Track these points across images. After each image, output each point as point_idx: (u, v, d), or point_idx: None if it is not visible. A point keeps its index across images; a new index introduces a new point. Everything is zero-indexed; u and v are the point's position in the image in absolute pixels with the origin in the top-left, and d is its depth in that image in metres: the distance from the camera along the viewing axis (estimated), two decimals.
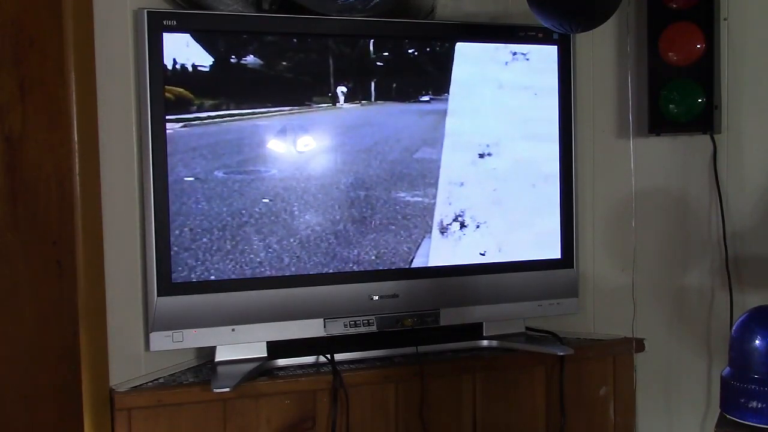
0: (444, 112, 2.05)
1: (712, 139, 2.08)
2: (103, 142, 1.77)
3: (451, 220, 2.06)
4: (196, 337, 1.86)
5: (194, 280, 1.85)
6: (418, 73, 2.04)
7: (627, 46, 2.14)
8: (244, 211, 1.88)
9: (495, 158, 2.10)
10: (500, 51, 2.10)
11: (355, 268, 1.97)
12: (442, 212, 2.06)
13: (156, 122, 1.80)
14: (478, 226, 2.08)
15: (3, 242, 1.63)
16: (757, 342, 1.36)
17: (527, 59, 2.12)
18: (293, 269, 1.92)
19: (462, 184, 2.07)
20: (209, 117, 1.85)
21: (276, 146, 1.91)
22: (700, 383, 2.17)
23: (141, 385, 1.83)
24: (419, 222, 2.04)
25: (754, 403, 1.34)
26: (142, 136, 1.82)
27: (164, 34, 1.80)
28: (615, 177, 2.21)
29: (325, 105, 1.95)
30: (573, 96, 2.13)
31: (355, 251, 1.98)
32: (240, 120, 1.88)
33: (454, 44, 2.05)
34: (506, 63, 2.11)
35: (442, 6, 2.18)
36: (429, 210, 2.05)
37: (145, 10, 1.79)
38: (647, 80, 2.10)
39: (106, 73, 1.77)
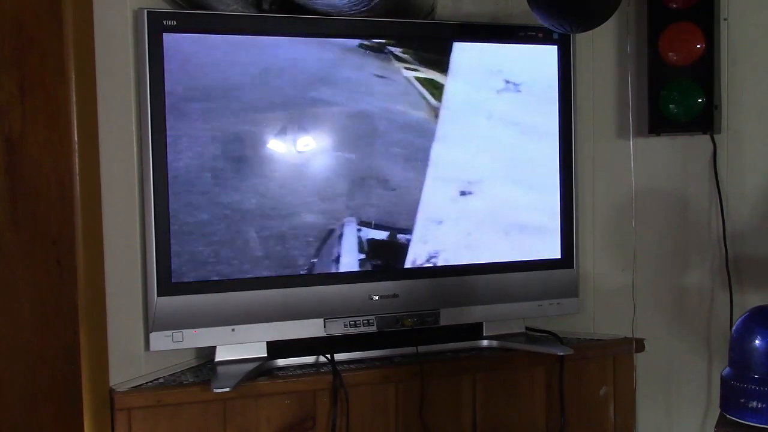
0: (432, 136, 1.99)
1: (712, 139, 2.08)
2: (103, 142, 1.78)
3: (424, 261, 2.03)
4: (196, 337, 1.86)
5: (194, 280, 1.85)
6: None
7: (627, 46, 2.15)
8: (244, 211, 1.88)
9: (476, 198, 2.04)
10: (493, 77, 2.05)
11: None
12: (416, 251, 2.01)
13: (156, 122, 1.80)
14: None
15: (3, 242, 1.63)
16: (757, 342, 1.36)
17: (519, 91, 2.08)
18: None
19: (440, 222, 2.02)
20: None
21: (277, 146, 1.91)
22: (700, 383, 2.17)
23: (141, 385, 1.83)
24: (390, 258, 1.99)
25: (754, 403, 1.34)
26: (142, 136, 1.82)
27: (164, 34, 1.80)
28: (615, 177, 2.21)
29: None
30: (573, 96, 2.13)
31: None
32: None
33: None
34: (498, 91, 2.06)
35: (442, 6, 2.18)
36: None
37: (145, 10, 1.79)
38: (647, 80, 2.10)
39: (106, 73, 1.78)
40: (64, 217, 1.65)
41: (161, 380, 1.87)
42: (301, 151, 1.93)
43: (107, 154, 1.79)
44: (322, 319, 1.95)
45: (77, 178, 1.65)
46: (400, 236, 2.00)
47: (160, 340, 1.83)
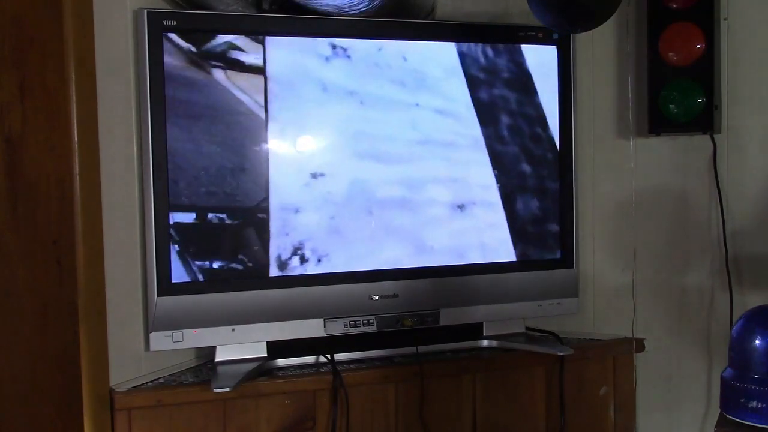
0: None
1: (712, 139, 2.08)
2: (103, 142, 1.78)
3: (290, 254, 1.92)
4: (196, 337, 1.86)
5: (194, 280, 1.85)
6: None
7: (627, 46, 2.15)
8: (244, 209, 1.88)
9: (328, 179, 1.93)
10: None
11: None
12: (279, 245, 1.90)
13: (156, 122, 1.80)
14: (319, 260, 1.95)
15: (3, 242, 1.63)
16: (757, 342, 1.37)
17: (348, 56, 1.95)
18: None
19: (297, 210, 1.91)
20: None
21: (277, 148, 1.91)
22: (700, 383, 2.17)
23: (141, 385, 1.83)
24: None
25: (754, 403, 1.34)
26: (142, 136, 1.82)
27: (164, 34, 1.80)
28: (615, 177, 2.21)
29: None
30: (573, 96, 2.13)
31: None
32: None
33: None
34: (326, 58, 1.93)
35: (442, 6, 2.18)
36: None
37: (145, 10, 1.79)
38: (647, 80, 2.10)
39: (106, 73, 1.77)
40: (64, 217, 1.65)
41: (161, 380, 1.87)
42: (300, 151, 1.93)
43: (107, 154, 1.79)
44: (322, 319, 1.95)
45: (77, 178, 1.65)
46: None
47: (160, 340, 1.83)
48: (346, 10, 1.90)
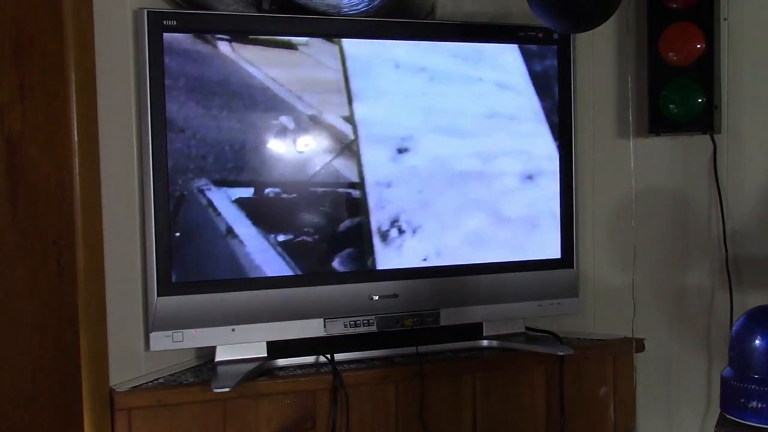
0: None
1: (712, 139, 2.08)
2: (103, 142, 1.78)
3: (389, 226, 2.02)
4: (196, 337, 1.86)
5: (194, 280, 1.85)
6: None
7: (627, 46, 2.15)
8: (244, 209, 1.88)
9: (412, 154, 2.05)
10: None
11: None
12: (378, 218, 2.01)
13: (156, 122, 1.80)
14: (414, 232, 2.05)
15: (3, 242, 1.63)
16: (757, 342, 1.36)
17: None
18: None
19: (389, 185, 2.02)
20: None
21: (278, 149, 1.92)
22: (700, 383, 2.17)
23: (141, 385, 1.83)
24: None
25: (754, 403, 1.34)
26: (142, 136, 1.82)
27: (164, 34, 1.80)
28: (615, 177, 2.21)
29: None
30: (573, 96, 2.13)
31: None
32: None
33: None
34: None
35: (442, 6, 2.17)
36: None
37: (145, 10, 1.79)
38: (647, 80, 2.10)
39: (106, 73, 1.78)
40: (64, 217, 1.65)
41: (161, 380, 1.87)
42: (301, 152, 1.93)
43: (107, 154, 1.79)
44: (322, 319, 1.95)
45: (77, 178, 1.65)
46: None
47: (160, 340, 1.83)
48: (346, 10, 1.90)
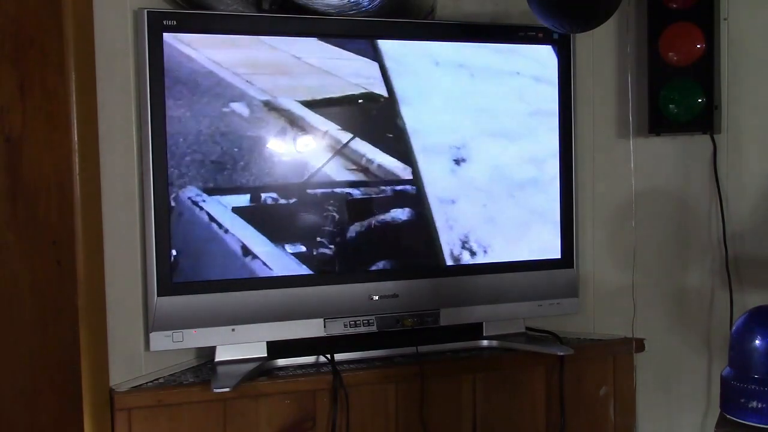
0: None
1: (712, 139, 2.08)
2: (103, 142, 1.78)
3: (460, 249, 2.01)
4: (196, 337, 1.86)
5: (194, 280, 1.85)
6: None
7: (627, 46, 2.14)
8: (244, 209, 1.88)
9: (470, 165, 2.00)
10: None
11: None
12: (449, 240, 1.99)
13: (156, 122, 1.80)
14: (485, 251, 2.04)
15: (3, 242, 1.63)
16: (757, 342, 1.36)
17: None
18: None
19: (453, 201, 1.98)
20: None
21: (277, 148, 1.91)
22: (700, 383, 2.17)
23: (141, 385, 1.83)
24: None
25: (754, 403, 1.34)
26: (142, 136, 1.82)
27: (164, 34, 1.80)
28: (615, 177, 2.21)
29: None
30: (573, 96, 2.13)
31: None
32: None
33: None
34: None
35: (442, 6, 2.18)
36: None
37: (145, 10, 1.79)
38: (647, 80, 2.10)
39: (106, 73, 1.78)
40: (64, 218, 1.65)
41: (161, 380, 1.87)
42: (300, 151, 1.93)
43: (107, 154, 1.79)
44: (322, 319, 1.95)
45: (77, 178, 1.65)
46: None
47: (160, 340, 1.83)
48: (346, 10, 1.90)
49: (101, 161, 1.78)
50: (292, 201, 1.89)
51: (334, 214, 1.89)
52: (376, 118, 1.93)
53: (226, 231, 1.86)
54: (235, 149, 1.86)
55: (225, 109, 1.85)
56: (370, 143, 1.91)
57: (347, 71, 1.91)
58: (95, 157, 1.76)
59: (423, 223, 1.97)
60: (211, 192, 1.85)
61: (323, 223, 1.90)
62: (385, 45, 1.92)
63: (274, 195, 1.88)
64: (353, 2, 1.87)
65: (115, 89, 1.80)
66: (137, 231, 1.84)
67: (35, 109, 1.63)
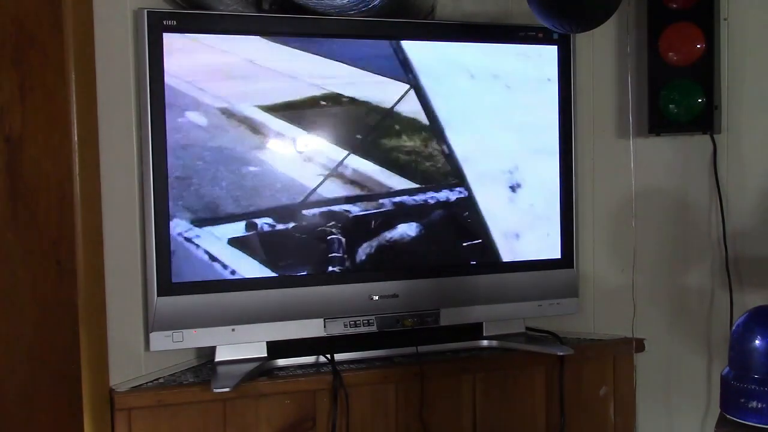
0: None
1: (712, 139, 2.08)
2: (103, 142, 1.77)
3: None
4: (196, 337, 1.86)
5: (194, 280, 1.85)
6: None
7: (627, 46, 2.14)
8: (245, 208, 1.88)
9: (526, 190, 1.99)
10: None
11: None
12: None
13: (156, 122, 1.80)
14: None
15: (3, 242, 1.63)
16: (757, 342, 1.36)
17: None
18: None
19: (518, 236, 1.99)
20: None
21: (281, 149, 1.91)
22: (700, 383, 2.17)
23: (141, 385, 1.83)
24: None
25: (754, 403, 1.34)
26: (142, 136, 1.82)
27: (164, 34, 1.80)
28: (615, 177, 2.21)
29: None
30: (573, 96, 2.13)
31: None
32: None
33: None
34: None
35: (442, 6, 2.17)
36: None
37: (145, 10, 1.79)
38: (647, 80, 2.10)
39: (106, 73, 1.78)
40: (64, 217, 1.65)
41: (161, 380, 1.87)
42: (301, 151, 1.93)
43: (107, 154, 1.79)
44: (322, 319, 1.95)
45: (77, 178, 1.65)
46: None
47: (160, 340, 1.83)
48: (346, 10, 1.90)
49: (101, 161, 1.78)
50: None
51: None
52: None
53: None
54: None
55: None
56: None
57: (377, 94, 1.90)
58: (95, 157, 1.76)
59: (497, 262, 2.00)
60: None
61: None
62: (415, 57, 1.90)
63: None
64: (353, 2, 1.87)
65: (115, 89, 1.80)
66: (137, 231, 1.84)
67: (35, 109, 1.63)
